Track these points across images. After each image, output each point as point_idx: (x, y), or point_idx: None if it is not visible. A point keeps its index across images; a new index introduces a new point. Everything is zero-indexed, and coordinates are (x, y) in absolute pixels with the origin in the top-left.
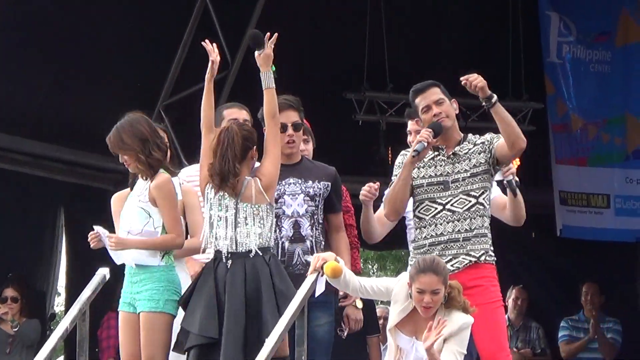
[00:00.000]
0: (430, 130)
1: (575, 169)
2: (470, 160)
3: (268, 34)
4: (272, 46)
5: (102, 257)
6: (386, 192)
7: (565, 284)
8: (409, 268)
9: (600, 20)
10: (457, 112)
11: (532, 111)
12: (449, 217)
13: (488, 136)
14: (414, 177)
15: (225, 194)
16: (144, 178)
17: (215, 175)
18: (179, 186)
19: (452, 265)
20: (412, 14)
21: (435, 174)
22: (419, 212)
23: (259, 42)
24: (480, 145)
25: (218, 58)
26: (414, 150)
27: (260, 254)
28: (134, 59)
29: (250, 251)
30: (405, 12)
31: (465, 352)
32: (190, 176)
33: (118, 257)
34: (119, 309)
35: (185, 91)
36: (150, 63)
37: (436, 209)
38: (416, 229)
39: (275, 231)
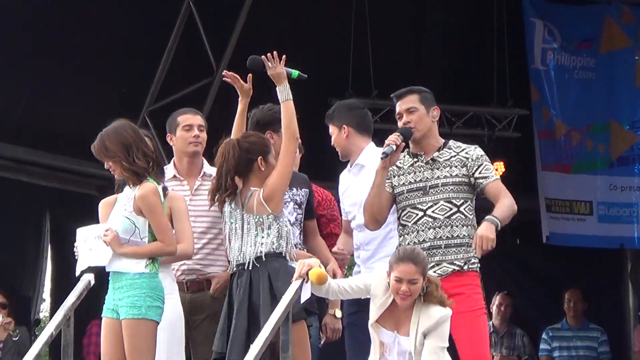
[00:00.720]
0: (399, 133)
1: (559, 175)
2: (450, 168)
3: (269, 54)
4: (281, 63)
5: None
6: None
7: (550, 290)
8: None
9: (584, 27)
10: (436, 119)
11: (517, 117)
12: (430, 224)
13: (473, 154)
14: (395, 185)
15: (234, 205)
16: (130, 185)
17: (213, 191)
18: (162, 192)
19: (435, 272)
20: (397, 20)
21: (415, 180)
22: (402, 219)
23: (257, 64)
24: (464, 159)
25: (247, 85)
26: (383, 153)
27: (264, 260)
28: (119, 64)
29: (255, 259)
30: (390, 18)
31: (447, 345)
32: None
33: (102, 258)
34: (102, 315)
35: (170, 97)
36: (135, 68)
37: (417, 215)
38: (400, 236)
39: None
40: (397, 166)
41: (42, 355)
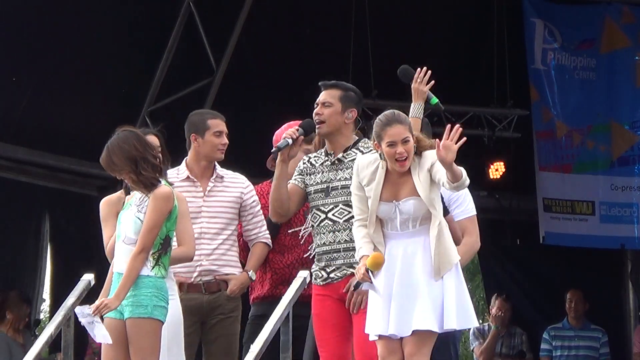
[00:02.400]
0: (298, 127)
1: (560, 175)
2: (351, 170)
3: (423, 68)
4: (424, 82)
5: (87, 262)
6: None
7: (550, 291)
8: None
9: (585, 27)
10: (350, 121)
11: (517, 118)
12: (330, 227)
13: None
14: (307, 184)
15: None
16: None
17: None
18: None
19: (334, 274)
20: (398, 20)
21: (321, 181)
22: (311, 220)
23: (408, 75)
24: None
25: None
26: (276, 147)
27: None
28: (119, 64)
29: None
30: (391, 18)
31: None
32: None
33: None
34: (105, 316)
35: (170, 97)
36: (135, 69)
37: (320, 217)
38: (314, 235)
39: None
40: (311, 164)
41: (43, 355)
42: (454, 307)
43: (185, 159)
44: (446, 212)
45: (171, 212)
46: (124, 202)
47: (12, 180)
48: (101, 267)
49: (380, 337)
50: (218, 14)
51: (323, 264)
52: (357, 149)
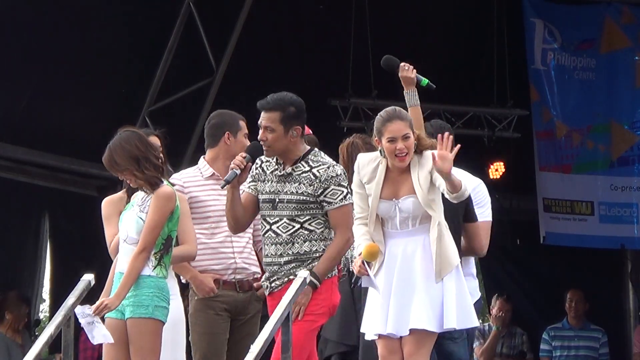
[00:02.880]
0: (245, 154)
1: (559, 176)
2: (299, 185)
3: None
4: (410, 69)
5: (86, 262)
6: None
7: (550, 291)
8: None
9: (585, 27)
10: (296, 137)
11: (517, 118)
12: (273, 239)
13: (324, 174)
14: (259, 191)
15: None
16: (146, 192)
17: None
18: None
19: (274, 283)
20: (397, 20)
21: (269, 191)
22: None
23: (391, 64)
24: (313, 178)
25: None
26: (224, 180)
27: None
28: (119, 64)
29: None
30: (390, 18)
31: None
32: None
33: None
34: (105, 316)
35: (170, 97)
36: (135, 69)
37: (265, 227)
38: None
39: None
40: (262, 170)
41: (42, 355)
42: (454, 306)
43: (203, 157)
44: (474, 218)
45: (173, 212)
46: (126, 202)
47: (11, 180)
48: (101, 267)
49: (380, 336)
50: (218, 14)
51: (267, 274)
52: (306, 162)
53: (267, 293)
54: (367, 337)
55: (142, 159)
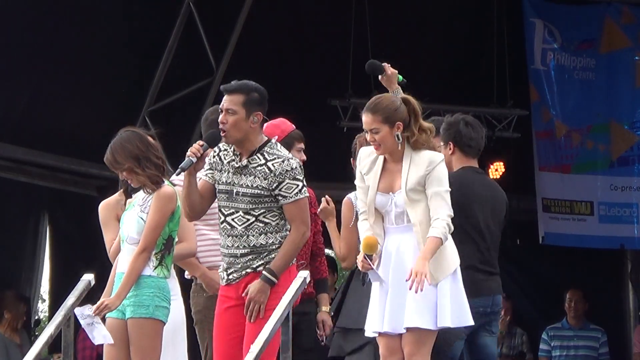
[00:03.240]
0: (202, 142)
1: (559, 176)
2: (254, 178)
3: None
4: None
5: (86, 262)
6: None
7: (550, 291)
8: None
9: (585, 27)
10: (256, 124)
11: (517, 118)
12: (229, 231)
13: (279, 168)
14: (216, 180)
15: None
16: (147, 192)
17: None
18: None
19: (232, 275)
20: (397, 20)
21: (225, 182)
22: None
23: (377, 68)
24: (268, 171)
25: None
26: (180, 167)
27: None
28: (118, 64)
29: None
30: (390, 18)
31: (448, 189)
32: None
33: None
34: (106, 316)
35: (170, 97)
36: (134, 69)
37: (221, 218)
38: None
39: None
40: (220, 159)
41: (42, 355)
42: (448, 305)
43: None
44: None
45: (174, 213)
46: (125, 204)
47: (11, 180)
48: (101, 267)
49: (380, 335)
50: (218, 14)
51: (224, 265)
52: (262, 154)
53: (223, 283)
54: (367, 334)
55: (143, 159)
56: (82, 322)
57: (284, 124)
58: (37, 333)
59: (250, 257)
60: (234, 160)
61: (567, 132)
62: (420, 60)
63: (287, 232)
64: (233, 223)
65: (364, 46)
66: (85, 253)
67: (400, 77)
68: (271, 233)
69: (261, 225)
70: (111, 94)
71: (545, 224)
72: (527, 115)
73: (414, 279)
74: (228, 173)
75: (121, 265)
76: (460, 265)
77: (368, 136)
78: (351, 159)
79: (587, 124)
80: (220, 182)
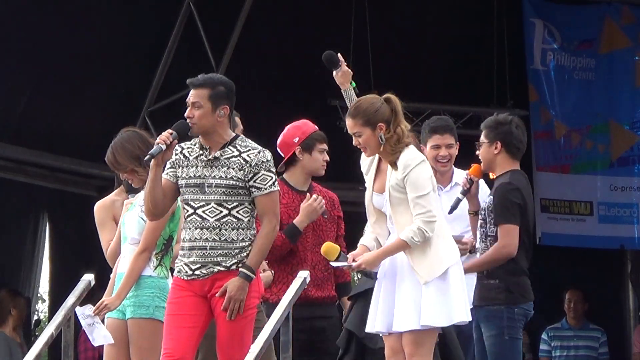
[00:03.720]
0: (172, 131)
1: (558, 176)
2: (228, 169)
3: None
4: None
5: (86, 262)
6: None
7: (550, 291)
8: None
9: (584, 27)
10: (223, 118)
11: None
12: (199, 223)
13: (255, 159)
14: (178, 176)
15: None
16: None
17: None
18: None
19: (200, 272)
20: (397, 20)
21: (194, 175)
22: (183, 213)
23: (333, 61)
24: (244, 162)
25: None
26: (149, 154)
27: None
28: (119, 64)
29: None
30: (390, 18)
31: (425, 192)
32: None
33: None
34: (106, 316)
35: (170, 97)
36: (134, 69)
37: (188, 211)
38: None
39: None
40: (184, 155)
41: (42, 356)
42: (433, 304)
43: None
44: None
45: (174, 213)
46: (122, 203)
47: (11, 180)
48: (101, 267)
49: (384, 336)
50: (218, 14)
51: (188, 259)
52: (234, 146)
53: (184, 277)
54: (367, 330)
55: (143, 158)
56: (82, 322)
57: (305, 126)
58: (37, 333)
59: (220, 251)
60: (202, 154)
61: (567, 132)
62: (420, 60)
63: (255, 231)
64: (204, 215)
65: (363, 46)
66: (85, 253)
67: (354, 83)
68: (242, 229)
69: (234, 220)
70: (111, 94)
71: (542, 225)
72: (527, 115)
73: (357, 265)
74: (196, 167)
75: (122, 266)
76: (515, 270)
77: (354, 140)
78: None
79: (586, 124)
80: (186, 178)
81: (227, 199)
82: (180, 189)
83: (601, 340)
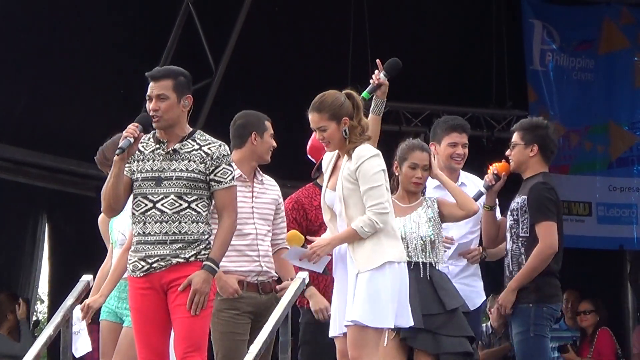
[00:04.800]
0: (137, 124)
1: (556, 177)
2: (188, 162)
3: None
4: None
5: (85, 263)
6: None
7: None
8: None
9: (584, 28)
10: (186, 109)
11: (515, 119)
12: (158, 217)
13: (216, 152)
14: (134, 171)
15: None
16: None
17: None
18: None
19: (157, 264)
20: (396, 21)
21: (151, 169)
22: (133, 207)
23: (396, 69)
24: (205, 155)
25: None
26: (119, 148)
27: None
28: (118, 65)
29: None
30: (389, 19)
31: (374, 184)
32: None
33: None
34: (100, 319)
35: None
36: (133, 70)
37: (146, 205)
38: (132, 224)
39: None
40: (139, 150)
41: (41, 357)
42: (359, 300)
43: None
44: None
45: None
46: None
47: (10, 181)
48: (99, 267)
49: (336, 339)
50: (217, 14)
51: (143, 254)
52: (194, 140)
53: (139, 275)
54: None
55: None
56: (73, 327)
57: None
58: (36, 334)
59: (180, 245)
60: (159, 148)
61: (566, 132)
62: (419, 61)
63: (211, 225)
64: (163, 208)
65: (363, 47)
66: (84, 254)
67: (368, 95)
68: (202, 223)
69: (194, 213)
70: (110, 95)
71: None
72: (526, 116)
73: (311, 252)
74: (154, 161)
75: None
76: (546, 270)
77: (317, 134)
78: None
79: (585, 125)
80: (142, 171)
81: (187, 192)
82: (135, 183)
83: None
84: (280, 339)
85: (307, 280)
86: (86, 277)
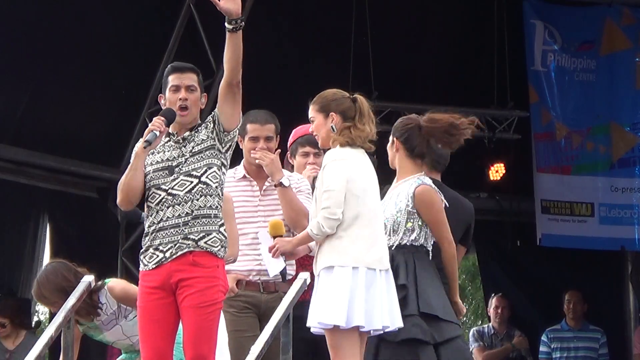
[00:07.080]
0: (163, 118)
1: (559, 177)
2: (198, 135)
3: None
4: None
5: (86, 264)
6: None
7: (550, 292)
8: None
9: (585, 29)
10: (203, 105)
11: (517, 119)
12: (170, 202)
13: (214, 114)
14: (146, 165)
15: None
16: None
17: None
18: None
19: (169, 253)
20: (398, 22)
21: (162, 160)
22: (148, 200)
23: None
24: (207, 122)
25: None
26: (145, 141)
27: None
28: (119, 66)
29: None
30: (391, 20)
31: (331, 189)
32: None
33: None
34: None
35: None
36: (135, 70)
37: (160, 195)
38: (147, 217)
39: None
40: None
41: (43, 358)
42: (315, 301)
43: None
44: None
45: None
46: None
47: (11, 182)
48: (101, 268)
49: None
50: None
51: (158, 241)
52: (199, 125)
53: (151, 267)
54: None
55: (70, 290)
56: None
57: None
58: (37, 335)
59: (190, 223)
60: (169, 140)
61: (568, 133)
62: (420, 62)
63: (222, 199)
64: (174, 192)
65: (364, 47)
66: (85, 254)
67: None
68: (210, 196)
69: (203, 187)
70: (111, 96)
71: (543, 226)
72: (527, 116)
73: (275, 250)
74: (164, 152)
75: None
76: None
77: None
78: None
79: (587, 126)
80: (153, 164)
81: (195, 166)
82: (147, 177)
83: (601, 341)
84: (282, 340)
85: (308, 281)
86: (87, 278)
